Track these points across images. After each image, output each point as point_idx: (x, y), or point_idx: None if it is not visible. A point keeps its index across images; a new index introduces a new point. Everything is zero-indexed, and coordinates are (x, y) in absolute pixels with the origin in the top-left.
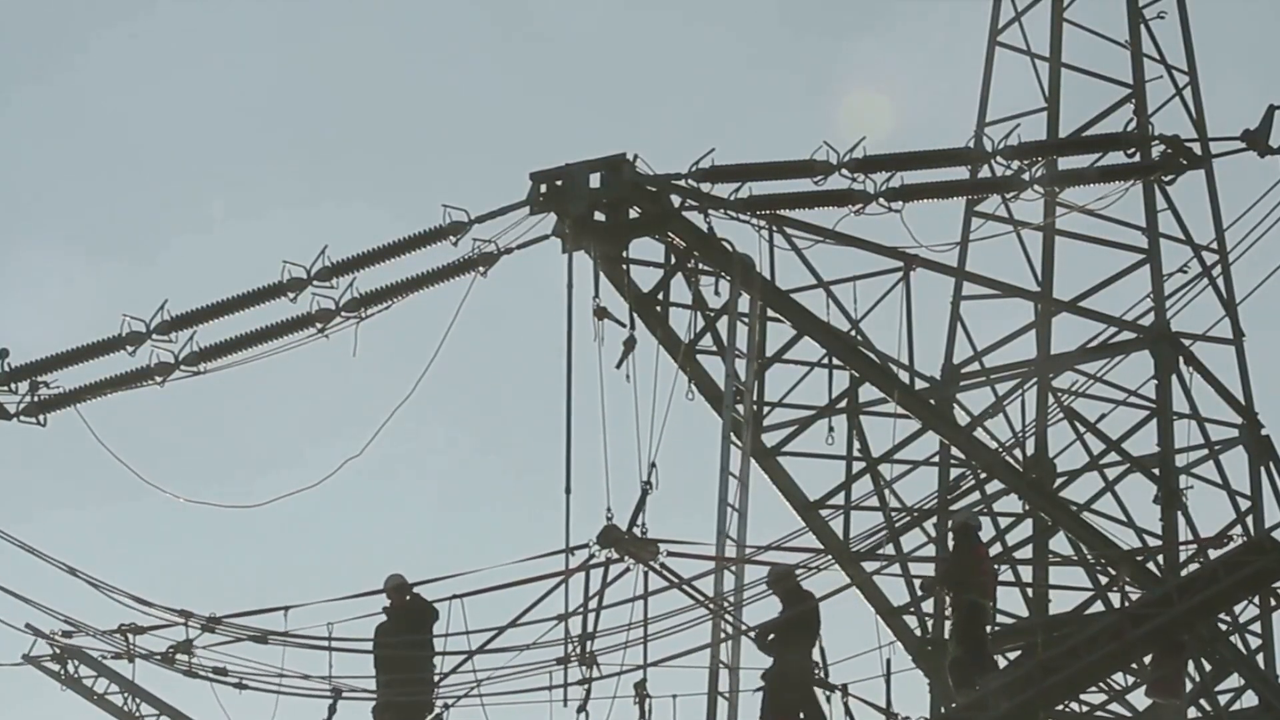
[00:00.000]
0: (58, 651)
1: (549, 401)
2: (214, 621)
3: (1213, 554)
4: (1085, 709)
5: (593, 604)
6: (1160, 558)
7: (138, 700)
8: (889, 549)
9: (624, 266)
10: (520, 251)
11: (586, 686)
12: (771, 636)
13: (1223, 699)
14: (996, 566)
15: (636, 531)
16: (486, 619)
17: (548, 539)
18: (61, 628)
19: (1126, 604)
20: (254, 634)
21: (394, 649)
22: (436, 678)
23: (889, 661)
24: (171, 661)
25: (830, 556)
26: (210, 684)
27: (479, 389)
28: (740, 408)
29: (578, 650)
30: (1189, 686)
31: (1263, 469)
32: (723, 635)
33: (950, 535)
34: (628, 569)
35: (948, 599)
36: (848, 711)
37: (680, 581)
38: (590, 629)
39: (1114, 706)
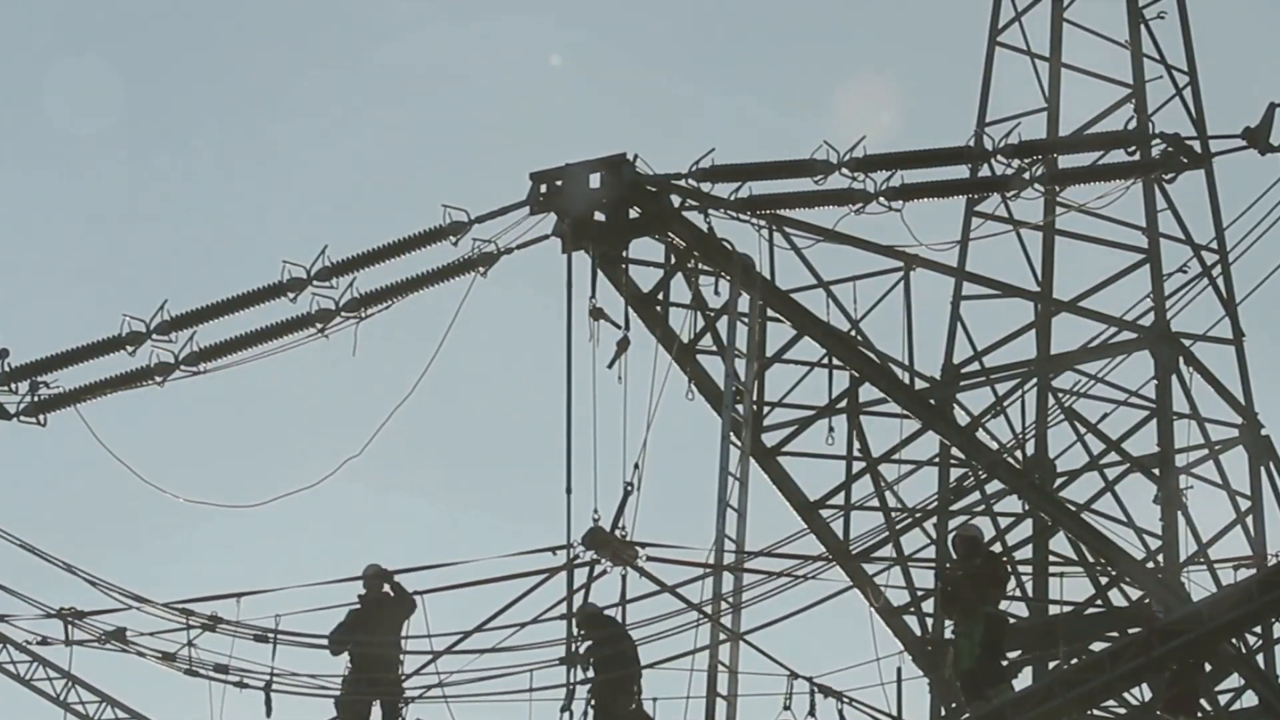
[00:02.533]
0: None
1: (549, 402)
2: (214, 620)
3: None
4: None
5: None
6: (1160, 559)
7: (73, 686)
8: (889, 549)
9: (623, 266)
10: (520, 251)
11: (570, 686)
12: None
13: (1223, 699)
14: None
15: (618, 533)
16: (477, 616)
17: (544, 538)
18: None
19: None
20: (256, 632)
21: (364, 645)
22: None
23: (899, 670)
24: (132, 647)
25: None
26: (170, 677)
27: (478, 389)
28: (740, 408)
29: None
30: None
31: (1263, 469)
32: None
33: (956, 547)
34: (605, 571)
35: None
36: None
37: (664, 585)
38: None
39: None
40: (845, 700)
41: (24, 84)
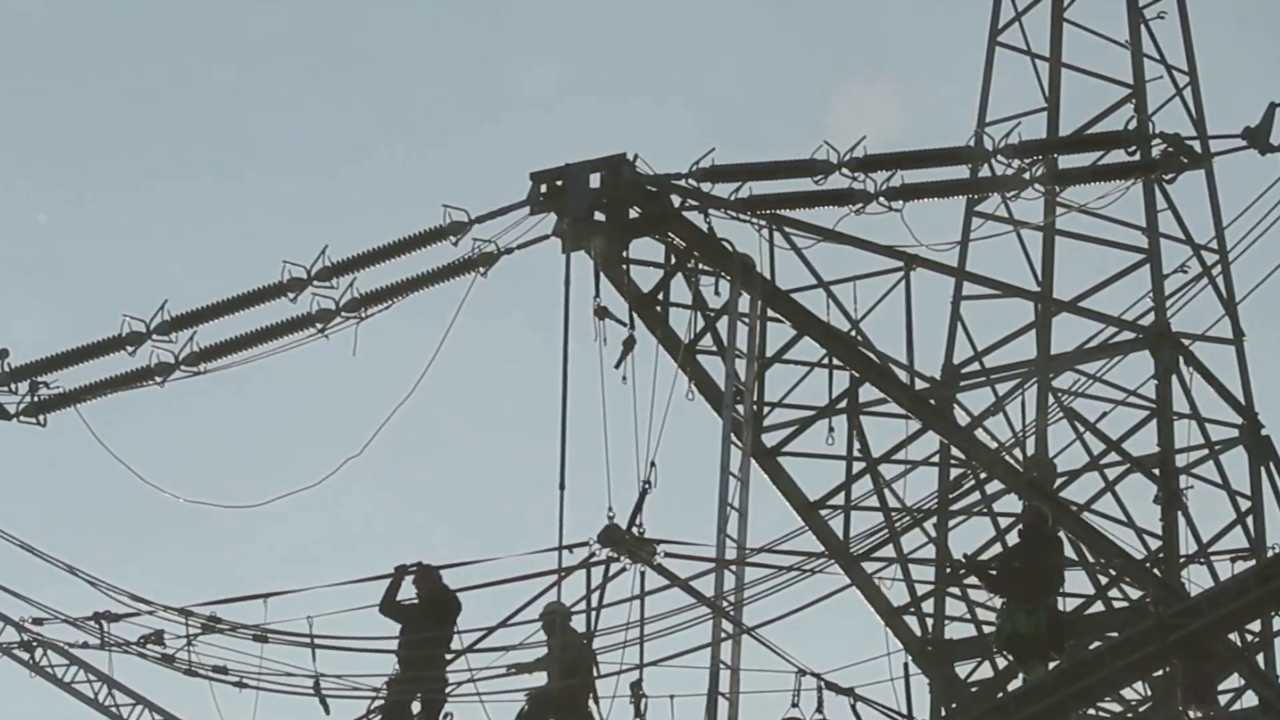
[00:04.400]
0: (26, 639)
1: (549, 401)
2: (213, 621)
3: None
4: None
5: (593, 602)
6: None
7: (111, 690)
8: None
9: (624, 266)
10: (520, 251)
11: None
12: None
13: (1223, 699)
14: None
15: (635, 531)
16: (490, 616)
17: (549, 538)
18: (33, 615)
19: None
20: (252, 630)
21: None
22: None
23: (906, 665)
24: (160, 654)
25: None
26: (202, 680)
27: (479, 389)
28: (740, 408)
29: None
30: None
31: (1263, 469)
32: (722, 635)
33: (1028, 517)
34: (624, 569)
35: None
36: (856, 716)
37: (679, 581)
38: (591, 627)
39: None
40: (855, 698)
41: (25, 80)
